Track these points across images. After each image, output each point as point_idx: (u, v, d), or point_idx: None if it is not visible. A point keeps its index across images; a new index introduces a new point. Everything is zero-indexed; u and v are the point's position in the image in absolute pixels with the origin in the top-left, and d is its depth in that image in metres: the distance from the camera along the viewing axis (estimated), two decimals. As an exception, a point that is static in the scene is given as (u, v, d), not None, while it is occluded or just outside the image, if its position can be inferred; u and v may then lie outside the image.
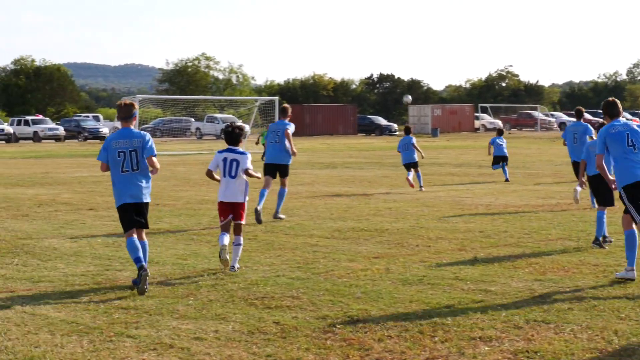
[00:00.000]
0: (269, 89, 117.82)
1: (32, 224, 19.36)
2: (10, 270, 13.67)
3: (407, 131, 29.38)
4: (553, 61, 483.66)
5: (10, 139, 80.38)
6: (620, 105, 13.15)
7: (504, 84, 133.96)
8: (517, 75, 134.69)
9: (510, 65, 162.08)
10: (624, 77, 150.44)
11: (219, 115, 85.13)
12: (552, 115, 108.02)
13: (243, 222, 13.68)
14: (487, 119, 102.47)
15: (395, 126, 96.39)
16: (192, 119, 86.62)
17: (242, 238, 13.61)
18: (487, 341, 9.31)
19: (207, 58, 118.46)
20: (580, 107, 23.59)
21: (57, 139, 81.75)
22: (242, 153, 13.83)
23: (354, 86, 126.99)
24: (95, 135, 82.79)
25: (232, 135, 13.93)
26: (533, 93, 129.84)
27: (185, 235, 17.45)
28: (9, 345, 9.29)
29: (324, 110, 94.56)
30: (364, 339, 9.47)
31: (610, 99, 13.34)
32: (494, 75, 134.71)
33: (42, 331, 9.89)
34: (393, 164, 40.76)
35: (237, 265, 13.38)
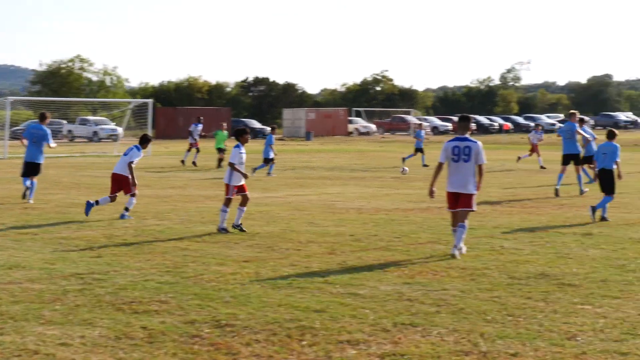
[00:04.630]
0: (144, 92, 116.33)
1: None
2: None
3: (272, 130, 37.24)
4: (427, 66, 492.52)
5: None
6: None
7: (378, 88, 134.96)
8: (391, 80, 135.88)
9: (386, 70, 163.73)
10: (497, 82, 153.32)
11: (91, 118, 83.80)
12: (426, 120, 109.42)
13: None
14: (360, 122, 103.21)
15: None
16: (64, 121, 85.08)
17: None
18: (355, 345, 9.33)
19: (82, 60, 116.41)
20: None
21: None
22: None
23: (228, 89, 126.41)
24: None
25: None
26: (407, 97, 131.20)
27: (53, 239, 17.06)
28: None
29: (199, 113, 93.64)
30: (231, 343, 9.40)
31: None
32: (369, 79, 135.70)
33: None
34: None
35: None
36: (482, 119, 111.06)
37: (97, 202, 20.51)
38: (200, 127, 44.32)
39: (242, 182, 18.40)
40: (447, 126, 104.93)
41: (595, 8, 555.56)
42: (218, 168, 40.71)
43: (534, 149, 41.97)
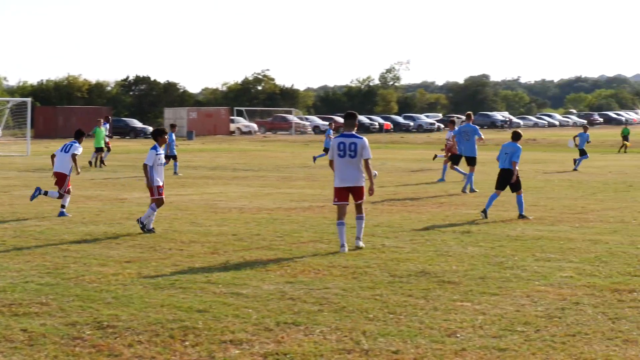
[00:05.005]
0: (22, 90, 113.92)
1: None
2: None
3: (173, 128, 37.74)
4: (308, 65, 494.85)
5: None
6: None
7: (260, 88, 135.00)
8: (273, 79, 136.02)
9: (267, 69, 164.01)
10: (377, 82, 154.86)
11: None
12: (307, 119, 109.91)
13: None
14: (242, 122, 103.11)
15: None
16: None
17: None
18: (238, 344, 9.34)
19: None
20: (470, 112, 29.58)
21: None
22: None
23: (109, 88, 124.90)
24: None
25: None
26: (288, 97, 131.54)
27: None
28: None
29: (79, 112, 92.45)
30: (113, 344, 9.31)
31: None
32: (250, 78, 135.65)
33: None
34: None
35: None
36: (363, 119, 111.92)
37: (46, 193, 21.26)
38: (107, 126, 43.42)
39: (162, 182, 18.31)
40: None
41: (472, 9, 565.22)
42: (99, 167, 40.21)
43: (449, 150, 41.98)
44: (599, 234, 17.72)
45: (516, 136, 21.07)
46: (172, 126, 39.20)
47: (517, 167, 20.67)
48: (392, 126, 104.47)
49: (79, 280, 12.74)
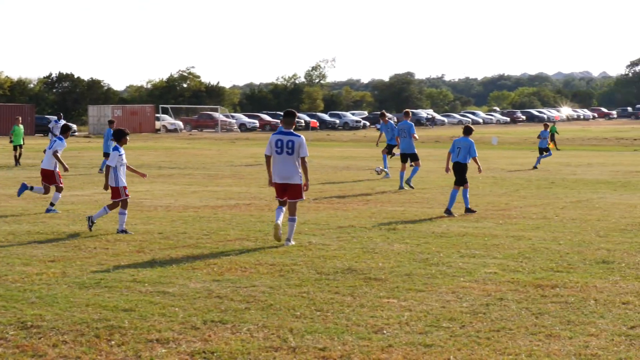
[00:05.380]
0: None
1: None
2: None
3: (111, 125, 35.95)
4: (234, 63, 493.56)
5: None
6: None
7: (185, 85, 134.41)
8: (198, 77, 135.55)
9: (192, 67, 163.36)
10: (303, 79, 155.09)
11: None
12: (233, 117, 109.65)
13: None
14: (168, 119, 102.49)
15: (75, 126, 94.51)
16: None
17: None
18: (165, 343, 9.29)
19: None
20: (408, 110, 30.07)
21: None
22: None
23: (31, 85, 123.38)
24: None
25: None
26: (214, 94, 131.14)
27: None
28: None
29: (0, 110, 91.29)
30: (37, 345, 9.20)
31: None
32: (176, 76, 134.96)
33: None
34: (72, 165, 40.09)
35: None
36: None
37: (32, 188, 22.03)
38: (59, 124, 42.21)
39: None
40: (255, 123, 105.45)
41: (397, 8, 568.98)
42: (16, 166, 39.70)
43: None
44: (522, 230, 17.95)
45: (467, 130, 21.54)
46: (111, 122, 38.67)
47: (478, 161, 21.41)
48: (318, 124, 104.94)
49: (1, 280, 12.57)
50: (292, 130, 16.40)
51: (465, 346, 9.22)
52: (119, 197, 17.90)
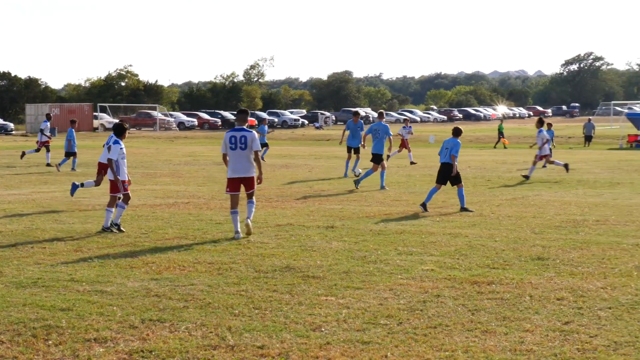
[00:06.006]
0: None
1: None
2: None
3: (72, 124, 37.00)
4: (172, 61, 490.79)
5: None
6: None
7: (123, 84, 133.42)
8: (136, 75, 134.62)
9: (130, 65, 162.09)
10: (241, 78, 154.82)
11: None
12: (171, 115, 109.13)
13: None
14: (106, 118, 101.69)
15: (12, 125, 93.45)
16: None
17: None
18: (102, 342, 9.27)
19: None
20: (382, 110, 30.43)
21: None
22: None
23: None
24: None
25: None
26: (152, 93, 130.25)
27: None
28: None
29: None
30: (-27, 346, 9.13)
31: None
32: (114, 74, 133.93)
33: None
34: (9, 164, 39.72)
35: None
36: (228, 115, 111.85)
37: (82, 185, 22.97)
38: (47, 124, 40.71)
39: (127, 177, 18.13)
40: (193, 122, 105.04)
41: (335, 6, 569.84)
42: None
43: (404, 144, 41.84)
44: (458, 227, 18.14)
45: (456, 132, 21.96)
46: (73, 122, 38.14)
47: (456, 161, 21.56)
48: (256, 122, 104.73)
49: (-64, 281, 12.43)
50: (244, 127, 17.22)
51: (402, 343, 9.31)
52: (117, 191, 17.84)
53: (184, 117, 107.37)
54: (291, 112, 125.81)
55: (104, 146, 20.68)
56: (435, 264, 13.83)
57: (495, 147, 57.97)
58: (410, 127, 43.70)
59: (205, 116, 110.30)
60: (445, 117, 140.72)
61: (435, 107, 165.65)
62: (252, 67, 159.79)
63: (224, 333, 9.65)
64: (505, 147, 57.85)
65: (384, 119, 29.23)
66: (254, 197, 17.42)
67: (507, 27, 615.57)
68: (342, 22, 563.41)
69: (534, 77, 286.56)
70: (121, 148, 17.86)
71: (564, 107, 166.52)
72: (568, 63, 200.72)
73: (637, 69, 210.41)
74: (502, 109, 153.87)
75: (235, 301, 11.21)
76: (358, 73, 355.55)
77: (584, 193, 25.71)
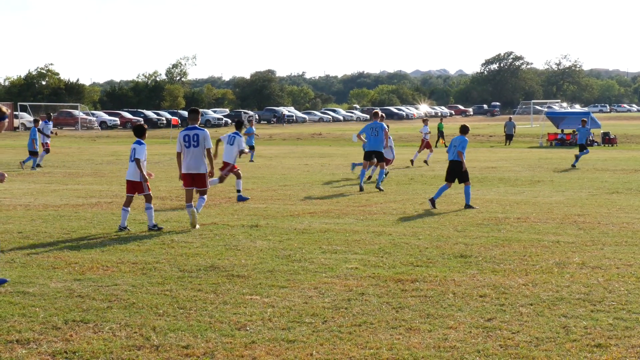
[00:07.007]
0: None
1: None
2: None
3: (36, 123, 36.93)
4: (94, 60, 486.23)
5: None
6: None
7: (44, 83, 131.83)
8: (57, 74, 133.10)
9: (51, 64, 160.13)
10: (164, 77, 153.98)
11: None
12: (93, 115, 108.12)
13: None
14: (27, 117, 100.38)
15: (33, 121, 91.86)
16: None
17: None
18: (25, 344, 9.17)
19: None
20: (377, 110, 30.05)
21: None
22: None
23: None
24: None
25: None
26: (74, 92, 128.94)
27: None
28: None
29: None
30: None
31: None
32: (34, 73, 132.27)
33: None
34: None
35: None
36: (150, 114, 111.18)
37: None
38: (49, 125, 39.44)
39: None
40: (115, 121, 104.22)
41: (256, 6, 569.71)
42: None
43: (427, 145, 41.36)
44: (382, 226, 18.25)
45: (464, 129, 22.38)
46: (36, 121, 37.64)
47: (464, 157, 21.68)
48: (179, 121, 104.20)
49: None
50: (197, 125, 18.26)
51: (327, 341, 9.36)
52: (138, 192, 17.78)
53: (106, 116, 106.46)
54: (214, 112, 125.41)
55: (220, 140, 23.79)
56: (360, 262, 13.91)
57: (436, 147, 56.20)
58: (426, 127, 43.38)
59: (128, 115, 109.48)
60: (368, 116, 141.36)
61: (358, 106, 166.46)
62: (175, 65, 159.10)
63: (148, 333, 9.61)
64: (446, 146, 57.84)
65: (379, 118, 28.69)
66: (205, 195, 18.69)
67: (428, 27, 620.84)
68: (264, 21, 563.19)
69: (455, 76, 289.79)
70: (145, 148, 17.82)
71: (485, 106, 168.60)
72: (488, 62, 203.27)
73: (556, 69, 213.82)
74: (424, 108, 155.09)
75: (159, 301, 11.16)
76: (281, 72, 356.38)
77: (505, 191, 26.06)
